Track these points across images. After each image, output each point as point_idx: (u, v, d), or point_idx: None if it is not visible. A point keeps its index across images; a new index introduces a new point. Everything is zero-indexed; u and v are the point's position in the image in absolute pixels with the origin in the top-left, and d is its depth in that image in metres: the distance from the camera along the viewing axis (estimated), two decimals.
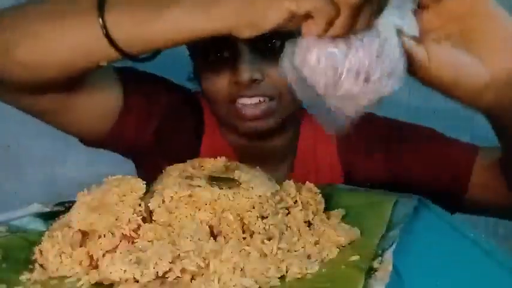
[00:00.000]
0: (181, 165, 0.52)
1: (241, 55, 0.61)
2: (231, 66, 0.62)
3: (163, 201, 0.45)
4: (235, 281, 0.39)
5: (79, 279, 0.40)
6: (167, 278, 0.39)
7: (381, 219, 0.49)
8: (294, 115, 0.69)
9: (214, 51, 0.63)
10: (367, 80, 0.41)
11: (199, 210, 0.45)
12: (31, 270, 0.42)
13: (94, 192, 0.46)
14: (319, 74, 0.41)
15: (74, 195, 0.47)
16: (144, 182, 0.47)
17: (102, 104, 0.63)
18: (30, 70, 0.49)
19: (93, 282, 0.40)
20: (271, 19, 0.41)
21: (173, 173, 0.50)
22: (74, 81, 0.54)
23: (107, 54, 0.47)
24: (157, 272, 0.39)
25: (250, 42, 0.61)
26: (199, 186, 0.46)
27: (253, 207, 0.45)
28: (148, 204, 0.45)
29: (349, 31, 0.40)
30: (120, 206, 0.44)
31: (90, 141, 0.68)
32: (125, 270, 0.39)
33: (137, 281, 0.39)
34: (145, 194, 0.46)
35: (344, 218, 0.50)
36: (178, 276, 0.39)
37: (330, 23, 0.40)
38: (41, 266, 0.43)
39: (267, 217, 0.46)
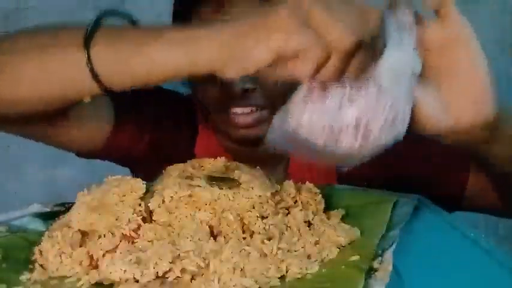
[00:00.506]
0: (181, 165, 0.52)
1: None
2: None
3: (163, 201, 0.45)
4: (235, 281, 0.39)
5: (79, 279, 0.40)
6: (167, 278, 0.39)
7: (381, 219, 0.49)
8: None
9: None
10: (366, 134, 0.38)
11: (199, 210, 0.45)
12: (31, 270, 0.42)
13: (94, 192, 0.46)
14: (316, 134, 0.39)
15: (74, 195, 0.47)
16: (144, 182, 0.47)
17: (93, 124, 0.63)
18: (11, 105, 0.49)
19: (93, 282, 0.40)
20: (257, 59, 0.38)
21: (173, 173, 0.50)
22: (61, 112, 0.53)
23: (90, 89, 0.46)
24: (157, 272, 0.39)
25: None
26: (199, 186, 0.46)
27: (253, 207, 0.45)
28: (148, 204, 0.45)
29: (341, 76, 0.38)
30: (120, 206, 0.44)
31: (83, 155, 0.69)
32: (125, 270, 0.39)
33: (137, 281, 0.39)
34: (145, 194, 0.46)
35: (344, 218, 0.50)
36: (178, 276, 0.39)
37: (320, 66, 0.37)
38: (41, 266, 0.43)
39: (267, 217, 0.46)
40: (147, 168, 0.60)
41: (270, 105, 0.63)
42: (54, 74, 0.47)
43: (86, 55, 0.44)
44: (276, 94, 0.60)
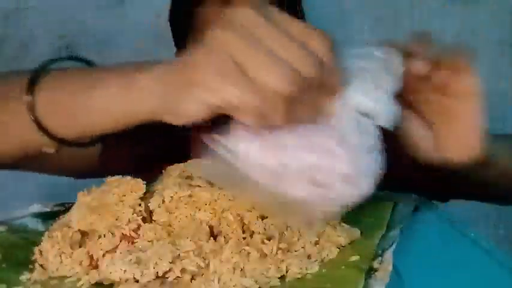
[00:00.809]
0: (181, 165, 0.52)
1: None
2: None
3: (163, 202, 0.45)
4: (235, 281, 0.39)
5: (79, 279, 0.40)
6: (167, 278, 0.39)
7: (381, 219, 0.49)
8: None
9: None
10: (317, 183, 0.32)
11: (199, 210, 0.45)
12: (31, 270, 0.42)
13: (94, 192, 0.46)
14: (255, 172, 0.33)
15: (74, 196, 0.47)
16: (144, 182, 0.47)
17: (77, 154, 0.58)
18: None
19: (93, 282, 0.40)
20: (189, 111, 0.34)
21: (173, 173, 0.50)
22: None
23: (42, 143, 0.44)
24: (157, 272, 0.39)
25: None
26: (199, 186, 0.46)
27: (253, 207, 0.45)
28: (148, 205, 0.45)
29: (293, 119, 0.33)
30: (120, 206, 0.44)
31: (81, 177, 0.69)
32: (125, 270, 0.39)
33: (137, 281, 0.39)
34: (145, 194, 0.46)
35: (344, 218, 0.50)
36: (178, 276, 0.39)
37: (261, 115, 0.32)
38: (41, 266, 0.43)
39: (267, 217, 0.45)
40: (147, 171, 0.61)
41: None
42: (6, 130, 0.45)
43: (29, 102, 0.42)
44: None
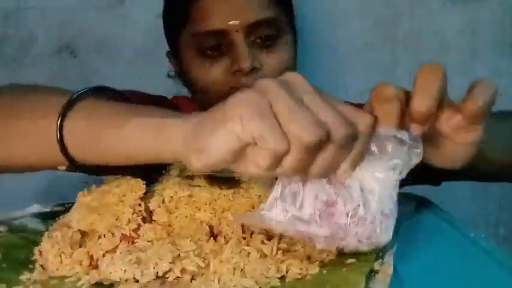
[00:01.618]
0: (181, 165, 0.52)
1: (240, 46, 0.64)
2: (229, 57, 0.65)
3: (163, 201, 0.45)
4: (235, 282, 0.38)
5: (79, 279, 0.40)
6: (167, 278, 0.39)
7: None
8: None
9: (210, 43, 0.65)
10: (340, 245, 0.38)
11: (199, 210, 0.45)
12: (31, 270, 0.42)
13: (94, 193, 0.46)
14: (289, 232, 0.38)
15: (74, 195, 0.47)
16: (144, 182, 0.47)
17: None
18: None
19: (93, 282, 0.40)
20: (218, 146, 0.35)
21: (173, 173, 0.50)
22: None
23: (60, 161, 0.46)
24: (157, 272, 0.39)
25: (245, 34, 0.65)
26: (199, 186, 0.46)
27: (253, 207, 0.45)
28: (148, 205, 0.45)
29: (304, 170, 0.35)
30: (120, 206, 0.44)
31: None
32: (125, 270, 0.39)
33: (137, 281, 0.39)
34: (145, 194, 0.46)
35: None
36: (178, 277, 0.39)
37: (278, 157, 0.34)
38: (41, 266, 0.43)
39: None
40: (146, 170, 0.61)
41: None
42: (29, 144, 0.47)
43: (59, 124, 0.44)
44: (280, 74, 0.61)
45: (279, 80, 0.35)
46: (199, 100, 0.72)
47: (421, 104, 0.38)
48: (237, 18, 0.65)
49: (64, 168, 0.47)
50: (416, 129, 0.39)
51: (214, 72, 0.66)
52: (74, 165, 0.46)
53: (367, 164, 0.37)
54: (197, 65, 0.68)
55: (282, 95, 0.34)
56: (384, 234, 0.38)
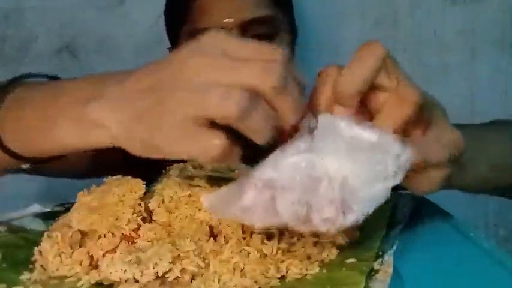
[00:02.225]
0: (181, 165, 0.52)
1: None
2: None
3: (163, 201, 0.45)
4: (235, 281, 0.39)
5: (79, 279, 0.40)
6: (167, 278, 0.39)
7: (381, 219, 0.49)
8: None
9: None
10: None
11: (199, 210, 0.45)
12: (31, 270, 0.42)
13: (94, 193, 0.46)
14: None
15: (74, 196, 0.47)
16: (144, 182, 0.47)
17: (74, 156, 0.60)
18: None
19: (93, 282, 0.40)
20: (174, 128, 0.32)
21: (173, 173, 0.50)
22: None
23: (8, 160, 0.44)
24: (157, 272, 0.39)
25: (240, 32, 0.65)
26: (199, 186, 0.46)
27: None
28: (148, 205, 0.45)
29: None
30: (120, 206, 0.44)
31: (78, 177, 0.68)
32: (124, 271, 0.39)
33: (137, 281, 0.39)
34: (145, 194, 0.46)
35: None
36: (178, 277, 0.39)
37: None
38: (41, 265, 0.43)
39: None
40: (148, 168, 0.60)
41: None
42: None
43: None
44: None
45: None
46: None
47: (344, 83, 0.34)
48: (232, 16, 0.66)
49: (27, 165, 0.45)
50: (341, 111, 0.35)
51: None
52: (19, 160, 0.44)
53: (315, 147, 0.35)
54: None
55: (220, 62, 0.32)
56: (348, 215, 0.35)
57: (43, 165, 0.48)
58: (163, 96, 0.32)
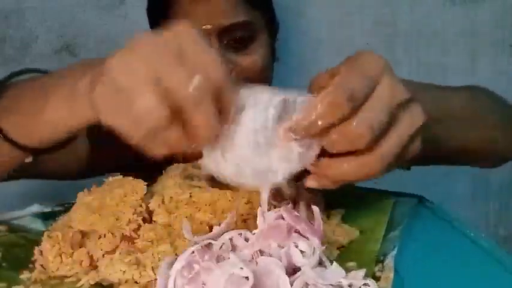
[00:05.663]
0: (181, 165, 0.52)
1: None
2: None
3: (163, 202, 0.45)
4: None
5: (79, 280, 0.40)
6: None
7: (381, 219, 0.49)
8: None
9: None
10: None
11: (199, 210, 0.45)
12: (31, 270, 0.42)
13: (94, 193, 0.46)
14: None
15: (74, 196, 0.47)
16: (145, 183, 0.47)
17: (63, 157, 0.57)
18: None
19: (93, 282, 0.40)
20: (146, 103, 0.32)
21: (173, 174, 0.50)
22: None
23: (10, 153, 0.47)
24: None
25: (218, 38, 0.65)
26: (199, 186, 0.46)
27: (253, 208, 0.45)
28: (149, 205, 0.45)
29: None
30: (121, 206, 0.44)
31: (75, 178, 0.69)
32: (124, 271, 0.39)
33: (137, 282, 0.39)
34: (145, 194, 0.46)
35: (344, 218, 0.50)
36: None
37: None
38: (41, 265, 0.43)
39: None
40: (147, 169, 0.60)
41: (249, 82, 0.64)
42: None
43: None
44: (253, 71, 0.68)
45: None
46: None
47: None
48: (210, 23, 0.66)
49: (30, 159, 0.48)
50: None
51: None
52: (23, 151, 0.46)
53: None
54: None
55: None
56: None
57: (38, 165, 0.50)
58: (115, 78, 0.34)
